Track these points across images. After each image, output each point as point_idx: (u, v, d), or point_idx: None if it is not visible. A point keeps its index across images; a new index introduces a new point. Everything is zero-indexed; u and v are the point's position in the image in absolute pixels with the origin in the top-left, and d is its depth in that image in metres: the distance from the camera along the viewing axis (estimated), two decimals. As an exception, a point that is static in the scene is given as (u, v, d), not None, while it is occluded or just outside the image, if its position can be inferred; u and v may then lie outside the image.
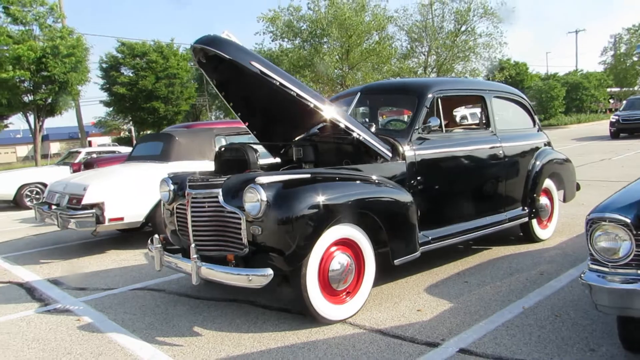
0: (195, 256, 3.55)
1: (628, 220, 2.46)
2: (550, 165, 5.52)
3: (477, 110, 5.41)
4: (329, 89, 21.51)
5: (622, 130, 20.78)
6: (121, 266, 5.59)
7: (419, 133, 4.39)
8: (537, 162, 5.40)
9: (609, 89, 44.21)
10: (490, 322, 3.49)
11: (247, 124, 4.73)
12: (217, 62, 4.04)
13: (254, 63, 3.71)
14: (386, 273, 4.26)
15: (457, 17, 25.35)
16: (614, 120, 21.19)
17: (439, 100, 4.60)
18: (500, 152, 4.96)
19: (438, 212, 4.41)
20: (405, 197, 4.00)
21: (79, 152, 12.69)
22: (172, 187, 4.18)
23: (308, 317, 3.61)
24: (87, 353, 3.37)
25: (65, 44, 16.51)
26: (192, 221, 3.80)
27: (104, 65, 31.02)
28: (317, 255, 3.49)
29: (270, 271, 3.28)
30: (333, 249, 3.64)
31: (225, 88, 4.43)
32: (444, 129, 4.66)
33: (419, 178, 4.26)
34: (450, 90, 4.83)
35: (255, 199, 3.36)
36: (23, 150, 63.97)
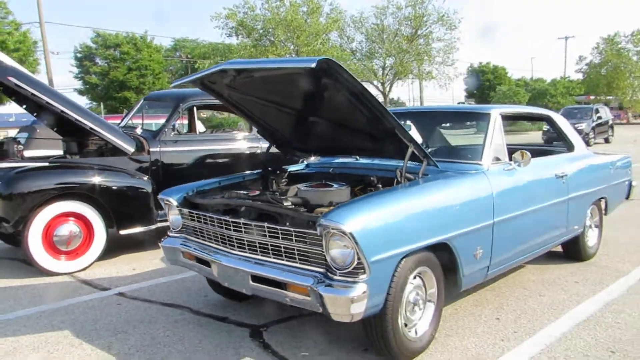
0: (-48, 221, 4.73)
1: (174, 202, 3.60)
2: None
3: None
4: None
5: (554, 139, 21.70)
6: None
7: (170, 134, 5.54)
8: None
9: (577, 97, 45.02)
10: (169, 279, 4.65)
11: (45, 122, 5.91)
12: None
13: (9, 78, 4.85)
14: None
15: (410, 21, 26.44)
16: (545, 129, 22.05)
17: (195, 108, 5.76)
18: (259, 150, 6.08)
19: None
20: (137, 182, 5.16)
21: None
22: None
23: (43, 272, 4.77)
24: None
25: (12, 40, 17.80)
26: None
27: (79, 55, 32.22)
28: (41, 222, 4.65)
29: (-11, 232, 4.48)
30: (71, 218, 4.82)
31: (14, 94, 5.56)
32: (197, 131, 5.84)
33: (162, 169, 5.43)
34: (208, 100, 5.94)
35: (-12, 180, 4.55)
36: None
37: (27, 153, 5.60)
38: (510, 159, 3.70)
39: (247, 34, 22.73)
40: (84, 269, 4.92)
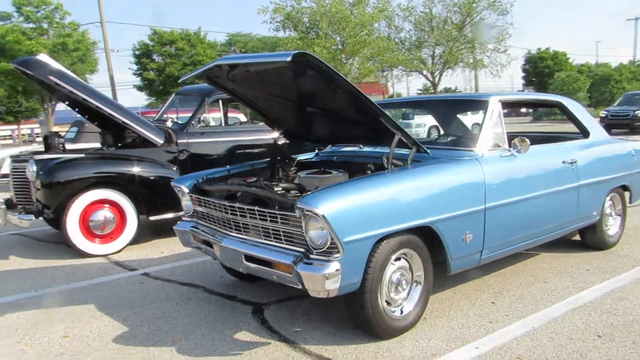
0: (3, 207, 5.26)
1: (185, 189, 3.89)
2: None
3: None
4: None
5: (612, 126, 20.74)
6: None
7: (197, 126, 5.87)
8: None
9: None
10: (191, 261, 4.97)
11: (86, 116, 6.38)
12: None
13: (50, 77, 5.29)
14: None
15: (460, 8, 25.88)
16: (603, 115, 21.13)
17: (221, 101, 6.06)
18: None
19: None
20: (166, 172, 5.52)
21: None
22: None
23: (80, 253, 5.22)
24: None
25: (71, 40, 18.93)
26: (13, 183, 5.52)
27: (137, 53, 33.54)
28: (78, 208, 5.09)
29: (31, 216, 4.96)
30: (106, 205, 5.25)
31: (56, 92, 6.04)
32: (223, 123, 6.14)
33: (189, 159, 5.77)
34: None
35: (31, 169, 5.01)
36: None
37: (71, 146, 6.09)
38: (510, 146, 3.75)
39: (293, 27, 23.03)
40: (117, 252, 5.34)
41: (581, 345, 2.99)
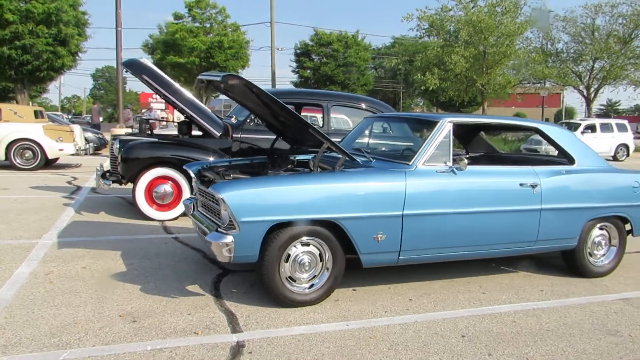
0: (99, 173, 6.93)
1: (191, 172, 4.98)
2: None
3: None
4: (455, 87, 22.64)
5: None
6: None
7: (251, 123, 7.00)
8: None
9: None
10: (218, 233, 6.08)
11: (177, 109, 7.87)
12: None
13: (143, 76, 6.81)
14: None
15: (626, 20, 23.55)
16: None
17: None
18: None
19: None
20: (215, 159, 6.71)
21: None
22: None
23: (143, 216, 6.67)
24: (46, 211, 7.04)
25: (227, 39, 21.67)
26: (110, 156, 7.19)
27: (297, 51, 36.36)
28: (145, 181, 6.52)
29: (110, 182, 6.52)
30: (167, 181, 6.64)
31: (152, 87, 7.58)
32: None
33: (240, 150, 6.92)
34: (287, 98, 7.19)
35: (115, 146, 6.58)
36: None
37: (158, 131, 7.63)
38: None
39: (436, 33, 23.23)
40: (173, 219, 6.68)
41: (437, 339, 3.41)
